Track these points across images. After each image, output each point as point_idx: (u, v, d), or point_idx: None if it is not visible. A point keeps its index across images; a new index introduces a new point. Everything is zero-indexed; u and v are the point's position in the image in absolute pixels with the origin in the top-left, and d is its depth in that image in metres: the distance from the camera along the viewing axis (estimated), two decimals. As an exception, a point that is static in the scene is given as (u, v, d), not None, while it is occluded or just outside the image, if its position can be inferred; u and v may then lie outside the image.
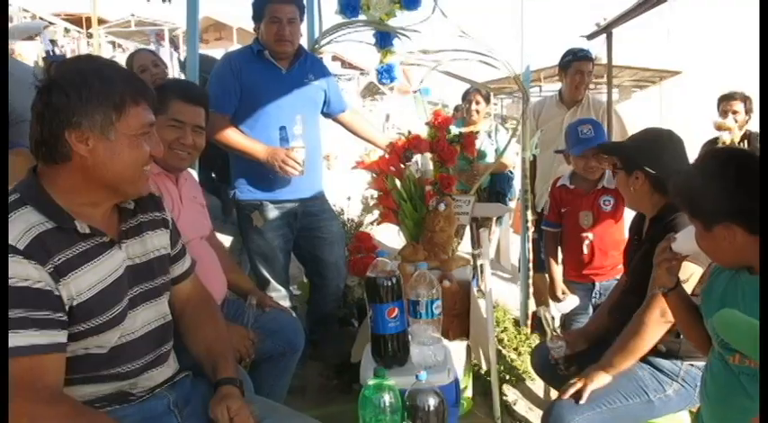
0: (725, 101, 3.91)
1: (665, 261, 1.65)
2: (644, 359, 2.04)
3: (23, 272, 1.24)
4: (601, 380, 1.98)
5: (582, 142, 2.87)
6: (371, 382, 1.69)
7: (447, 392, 1.77)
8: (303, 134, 2.72)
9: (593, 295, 2.99)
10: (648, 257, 2.05)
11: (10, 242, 1.24)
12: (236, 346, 1.93)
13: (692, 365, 2.04)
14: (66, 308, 1.31)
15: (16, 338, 1.21)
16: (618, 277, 2.74)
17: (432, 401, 1.66)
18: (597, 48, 3.95)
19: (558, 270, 3.14)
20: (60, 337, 1.28)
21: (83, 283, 1.33)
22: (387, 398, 1.65)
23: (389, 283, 1.81)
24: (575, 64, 3.92)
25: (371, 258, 3.58)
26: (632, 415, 2.02)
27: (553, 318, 2.41)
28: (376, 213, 4.01)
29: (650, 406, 2.02)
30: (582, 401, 1.94)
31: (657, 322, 1.94)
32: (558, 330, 2.37)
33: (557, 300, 3.11)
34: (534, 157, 3.93)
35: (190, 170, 2.32)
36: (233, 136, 2.80)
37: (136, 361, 1.47)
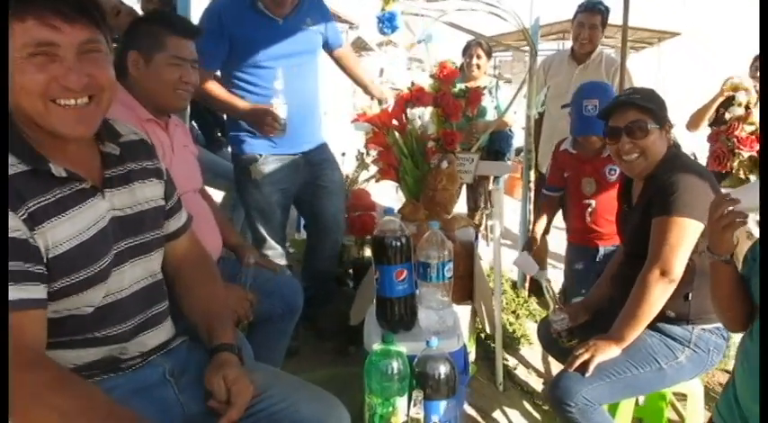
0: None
1: (731, 223, 1.43)
2: (652, 326, 1.97)
3: None
4: (609, 352, 1.91)
5: (585, 121, 2.76)
6: (378, 347, 1.60)
7: (456, 359, 1.69)
8: (284, 89, 2.53)
9: (598, 259, 2.92)
10: (646, 220, 1.98)
11: None
12: (233, 307, 1.81)
13: (703, 330, 1.98)
14: (44, 260, 1.16)
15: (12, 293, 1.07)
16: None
17: (443, 369, 1.58)
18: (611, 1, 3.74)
19: (539, 229, 3.11)
20: (39, 291, 1.14)
21: (60, 234, 1.18)
22: (395, 364, 1.56)
23: (399, 244, 1.69)
24: (578, 16, 3.76)
25: (369, 217, 3.50)
26: (643, 383, 1.95)
27: (553, 289, 2.33)
28: (372, 170, 3.90)
29: (662, 374, 1.95)
30: (588, 374, 1.87)
31: (660, 282, 1.88)
32: (560, 301, 2.29)
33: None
34: (540, 115, 3.80)
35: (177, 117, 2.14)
36: (216, 93, 2.62)
37: (125, 322, 1.33)
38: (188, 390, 1.38)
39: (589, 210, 2.91)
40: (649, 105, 2.02)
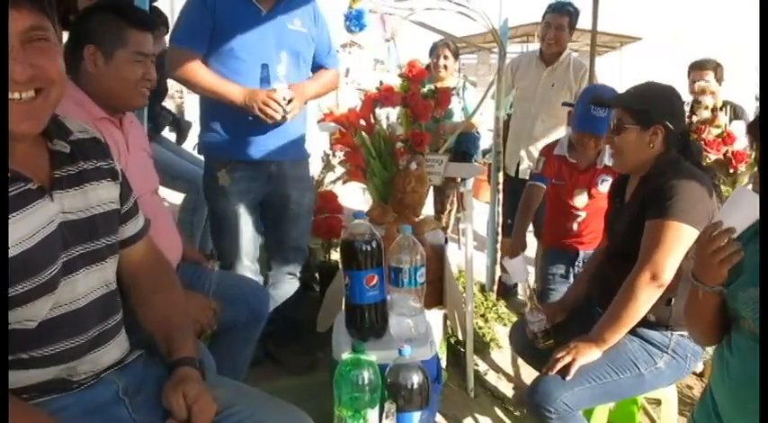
0: (696, 70, 3.80)
1: (730, 256, 1.29)
2: (632, 331, 1.93)
3: None
4: (590, 355, 1.87)
5: (589, 120, 2.74)
6: (347, 356, 1.52)
7: (429, 367, 1.62)
8: (287, 75, 2.39)
9: (576, 263, 2.91)
10: (637, 220, 1.94)
11: None
12: (195, 316, 1.70)
13: (682, 336, 1.95)
14: None
15: None
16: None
17: (415, 378, 1.51)
18: (583, 1, 3.74)
19: (526, 227, 3.11)
20: None
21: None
22: (366, 375, 1.48)
23: (369, 248, 1.62)
24: (546, 16, 3.76)
25: (336, 219, 3.42)
26: (623, 389, 1.93)
27: (533, 289, 2.30)
28: (339, 171, 3.82)
29: (641, 379, 1.92)
30: (569, 378, 1.83)
31: (649, 287, 1.83)
32: (537, 302, 2.25)
33: (513, 255, 3.03)
34: (508, 117, 3.78)
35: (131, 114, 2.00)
36: (205, 76, 2.34)
37: (73, 338, 1.21)
38: (144, 408, 1.28)
39: (578, 220, 2.92)
40: (632, 104, 2.00)
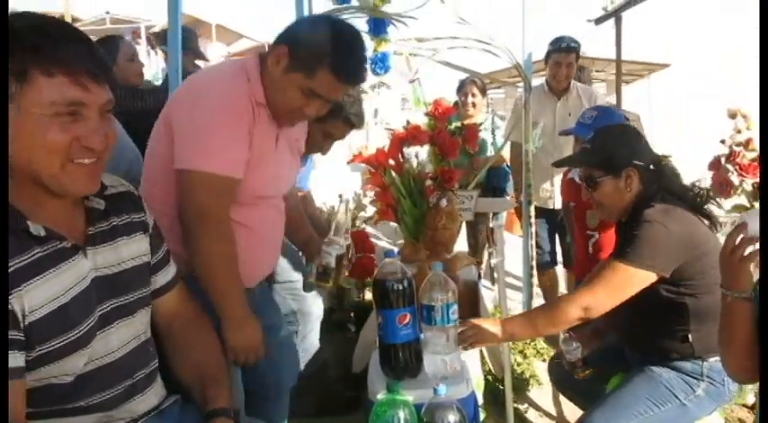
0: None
1: (748, 256, 1.32)
2: (664, 363, 1.93)
3: None
4: (490, 327, 1.84)
5: (576, 125, 2.82)
6: (382, 396, 1.51)
7: (466, 406, 1.60)
8: None
9: None
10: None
11: None
12: (243, 347, 1.64)
13: (716, 361, 1.89)
14: (21, 325, 1.07)
15: None
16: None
17: (452, 417, 1.48)
18: (606, 32, 3.79)
19: None
20: (16, 360, 1.05)
21: (37, 297, 1.09)
22: (401, 415, 1.47)
23: (401, 287, 1.61)
24: (554, 55, 3.85)
25: (369, 259, 3.43)
26: (667, 422, 1.87)
27: None
28: (370, 211, 3.86)
29: (684, 410, 1.89)
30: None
31: (578, 314, 1.83)
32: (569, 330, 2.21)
33: None
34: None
35: None
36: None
37: (109, 390, 1.23)
38: None
39: (592, 240, 2.88)
40: (594, 159, 2.01)
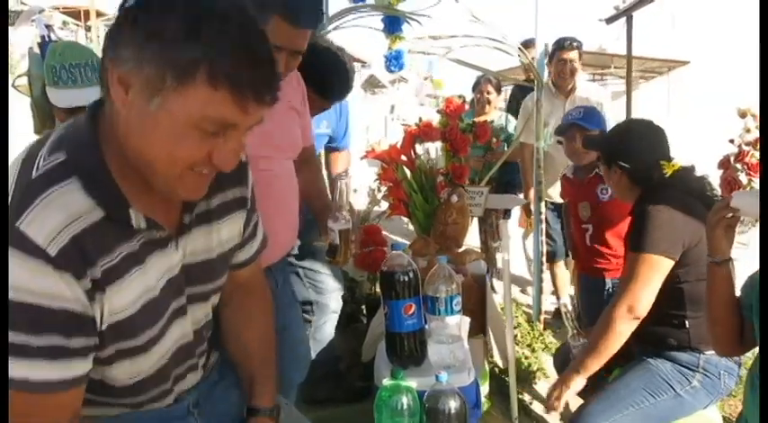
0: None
1: (721, 220, 1.49)
2: (661, 354, 2.00)
3: (53, 288, 0.90)
4: (576, 384, 1.93)
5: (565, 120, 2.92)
6: (387, 383, 1.59)
7: (467, 394, 1.67)
8: None
9: (606, 291, 2.90)
10: None
11: (39, 242, 0.89)
12: None
13: (711, 354, 1.96)
14: (99, 328, 1.01)
15: (35, 371, 0.92)
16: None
17: (453, 404, 1.55)
18: (617, 31, 3.82)
19: None
20: (83, 366, 0.99)
21: (124, 298, 1.02)
22: (404, 400, 1.54)
23: (406, 278, 1.68)
24: (558, 53, 3.90)
25: (381, 252, 3.49)
26: (663, 412, 1.95)
27: (573, 315, 2.32)
28: (384, 206, 3.92)
29: (680, 400, 1.95)
30: (560, 409, 1.92)
31: (625, 319, 1.90)
32: (578, 327, 2.27)
33: None
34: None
35: None
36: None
37: (157, 388, 1.18)
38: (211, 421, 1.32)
39: (588, 233, 2.93)
40: (594, 146, 2.25)
